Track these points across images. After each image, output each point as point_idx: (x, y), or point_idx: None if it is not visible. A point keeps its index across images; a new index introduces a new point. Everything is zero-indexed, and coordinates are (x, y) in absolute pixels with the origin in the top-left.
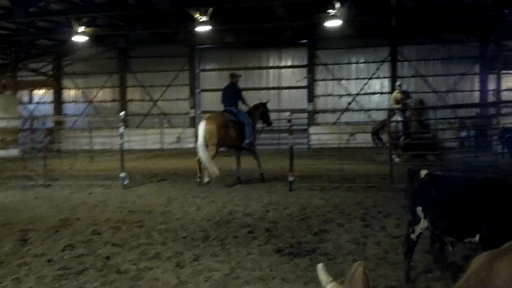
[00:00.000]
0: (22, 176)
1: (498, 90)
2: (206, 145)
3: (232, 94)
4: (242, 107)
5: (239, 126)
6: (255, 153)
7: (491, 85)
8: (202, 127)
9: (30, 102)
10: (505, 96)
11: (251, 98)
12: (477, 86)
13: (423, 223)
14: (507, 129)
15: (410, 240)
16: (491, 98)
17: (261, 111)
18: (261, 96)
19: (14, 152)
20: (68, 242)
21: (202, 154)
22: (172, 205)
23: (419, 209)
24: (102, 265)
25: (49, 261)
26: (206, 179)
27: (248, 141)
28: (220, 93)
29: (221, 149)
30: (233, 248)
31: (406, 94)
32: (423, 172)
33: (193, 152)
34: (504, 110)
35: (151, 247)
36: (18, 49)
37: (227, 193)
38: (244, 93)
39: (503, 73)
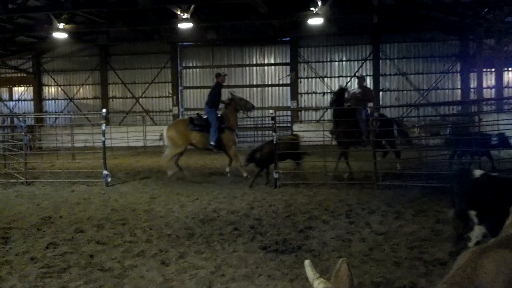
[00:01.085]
0: (2, 174)
1: (479, 88)
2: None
3: (212, 94)
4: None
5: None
6: (232, 152)
7: (472, 83)
8: (164, 133)
9: (10, 99)
10: (486, 93)
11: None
12: (458, 84)
13: (480, 230)
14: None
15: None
16: (472, 95)
17: (233, 105)
18: (244, 94)
19: None
20: (51, 240)
21: (165, 153)
22: (155, 203)
23: (472, 213)
24: (86, 263)
25: (32, 259)
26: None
27: (212, 142)
28: (202, 90)
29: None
30: (218, 245)
31: (365, 90)
32: (478, 172)
33: None
34: (485, 108)
35: (136, 245)
36: None
37: (211, 190)
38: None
39: (484, 71)
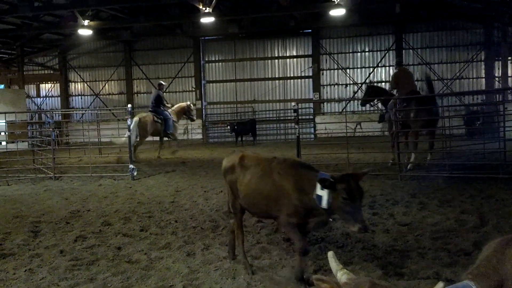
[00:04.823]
0: (32, 169)
1: (504, 77)
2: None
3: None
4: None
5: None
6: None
7: (497, 72)
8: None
9: (38, 96)
10: (511, 82)
11: (257, 89)
12: (482, 73)
13: None
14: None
15: None
16: (497, 84)
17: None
18: (266, 87)
19: (23, 145)
20: (79, 233)
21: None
22: (180, 196)
23: None
24: (114, 256)
25: (61, 252)
26: None
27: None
28: (225, 84)
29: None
30: None
31: None
32: None
33: (200, 143)
34: (510, 97)
35: (161, 237)
36: (23, 43)
37: None
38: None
39: (509, 60)
